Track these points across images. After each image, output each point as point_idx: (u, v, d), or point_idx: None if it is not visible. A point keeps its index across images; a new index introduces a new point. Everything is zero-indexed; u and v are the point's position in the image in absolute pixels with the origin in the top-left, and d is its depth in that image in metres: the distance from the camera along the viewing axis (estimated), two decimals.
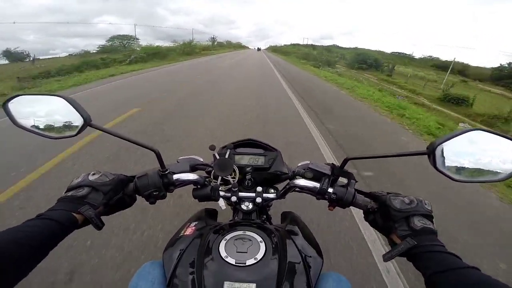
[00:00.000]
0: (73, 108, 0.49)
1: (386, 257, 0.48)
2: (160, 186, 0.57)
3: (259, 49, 78.13)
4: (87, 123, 0.50)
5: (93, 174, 0.54)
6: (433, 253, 0.43)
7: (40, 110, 0.51)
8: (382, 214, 0.54)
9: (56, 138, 0.52)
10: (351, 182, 0.58)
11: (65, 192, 0.51)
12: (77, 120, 0.50)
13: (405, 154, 0.50)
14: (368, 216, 0.58)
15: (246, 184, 0.69)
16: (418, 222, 0.48)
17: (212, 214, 0.79)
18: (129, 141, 0.53)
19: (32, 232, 0.39)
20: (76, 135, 0.51)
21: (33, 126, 0.51)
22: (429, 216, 0.50)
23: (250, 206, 0.67)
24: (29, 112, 0.51)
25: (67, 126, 0.51)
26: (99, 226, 0.49)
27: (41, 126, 0.51)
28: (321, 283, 0.50)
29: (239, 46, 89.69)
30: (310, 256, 0.53)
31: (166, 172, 0.58)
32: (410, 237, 0.46)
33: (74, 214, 0.46)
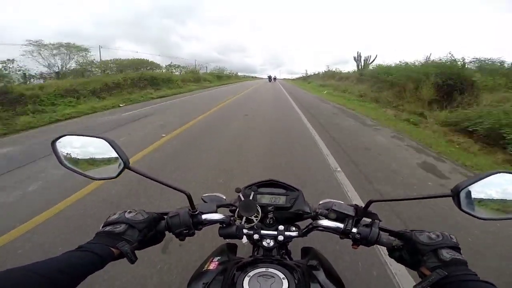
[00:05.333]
0: (114, 151, 0.53)
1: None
2: (190, 225, 0.60)
3: (272, 79, 42.99)
4: (126, 166, 0.53)
5: (130, 212, 0.57)
6: (466, 282, 0.42)
7: (84, 151, 0.56)
8: (408, 250, 0.54)
9: (97, 179, 0.56)
10: (375, 222, 0.60)
11: (103, 227, 0.54)
12: (118, 163, 0.54)
13: (428, 196, 0.51)
14: (393, 253, 0.58)
15: (268, 222, 0.71)
16: (447, 254, 0.48)
17: (232, 248, 0.81)
18: (164, 184, 0.57)
19: (74, 262, 0.43)
20: (116, 177, 0.55)
21: (76, 166, 0.55)
22: (456, 248, 0.50)
23: (272, 243, 0.69)
24: (72, 152, 0.55)
25: (108, 168, 0.55)
26: (133, 260, 0.52)
27: (84, 167, 0.55)
28: None
29: (232, 77, 42.86)
30: None
31: (196, 213, 0.62)
32: (440, 268, 0.46)
33: (112, 248, 0.49)
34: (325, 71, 30.39)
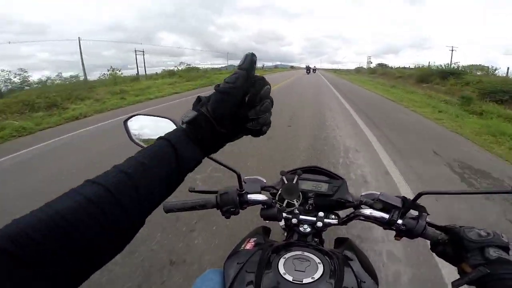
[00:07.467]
0: None
1: (455, 284, 0.46)
2: (237, 203, 0.64)
3: (310, 70, 35.46)
4: None
5: None
6: (507, 281, 0.41)
7: (150, 129, 0.62)
8: (453, 246, 0.53)
9: None
10: (422, 215, 0.58)
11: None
12: None
13: (487, 192, 0.50)
14: (436, 247, 0.57)
15: (307, 208, 0.72)
16: (494, 253, 0.46)
17: (267, 232, 0.83)
18: (217, 162, 0.60)
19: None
20: None
21: (144, 142, 0.62)
22: (506, 248, 0.48)
23: (308, 229, 0.70)
24: (141, 130, 0.62)
25: None
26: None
27: (149, 144, 0.62)
28: None
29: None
30: (365, 282, 0.53)
31: (243, 192, 0.65)
32: (483, 266, 0.44)
33: None
34: None
